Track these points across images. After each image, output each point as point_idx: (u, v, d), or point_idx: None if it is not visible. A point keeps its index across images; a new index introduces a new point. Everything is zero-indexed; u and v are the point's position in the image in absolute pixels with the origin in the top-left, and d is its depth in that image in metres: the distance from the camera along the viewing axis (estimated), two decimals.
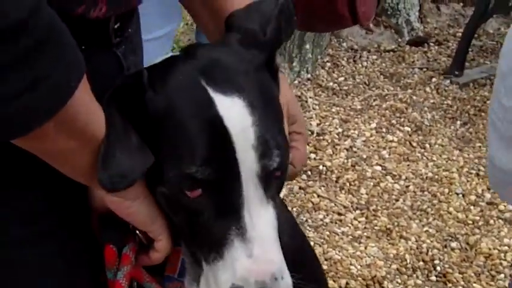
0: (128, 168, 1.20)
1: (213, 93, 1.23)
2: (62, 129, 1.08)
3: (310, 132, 4.49)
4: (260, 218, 1.24)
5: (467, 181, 4.20)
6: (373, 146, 4.49)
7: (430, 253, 3.57)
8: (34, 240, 1.26)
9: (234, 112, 1.22)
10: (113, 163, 1.18)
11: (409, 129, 4.74)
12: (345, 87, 5.24)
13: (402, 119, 4.85)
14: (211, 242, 1.24)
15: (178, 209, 1.26)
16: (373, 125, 4.73)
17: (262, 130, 1.23)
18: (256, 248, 1.21)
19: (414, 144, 4.57)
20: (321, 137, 4.52)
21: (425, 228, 3.76)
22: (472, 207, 3.96)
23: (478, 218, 3.87)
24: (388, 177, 4.19)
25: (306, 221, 3.77)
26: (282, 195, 3.81)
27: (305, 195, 3.97)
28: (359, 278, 3.37)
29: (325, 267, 3.40)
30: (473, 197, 4.04)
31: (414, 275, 3.42)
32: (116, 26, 1.31)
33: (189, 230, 1.28)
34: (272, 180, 1.26)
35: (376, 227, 3.76)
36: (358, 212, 3.88)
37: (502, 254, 3.57)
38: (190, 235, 1.29)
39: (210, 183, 1.21)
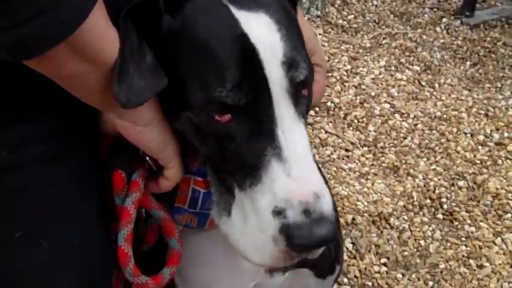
0: (141, 86, 1.18)
1: (236, 10, 1.20)
2: (74, 52, 1.07)
3: None
4: (294, 135, 1.21)
5: (476, 121, 4.18)
6: (381, 84, 4.46)
7: (437, 191, 3.55)
8: (47, 160, 1.26)
9: (261, 28, 1.19)
10: (127, 78, 1.16)
11: (419, 68, 4.70)
12: (355, 25, 5.19)
13: (412, 58, 4.80)
14: (246, 167, 1.21)
15: (207, 135, 1.23)
16: (382, 63, 4.69)
17: (290, 46, 1.20)
18: (294, 167, 1.18)
19: (423, 83, 4.53)
20: (330, 74, 4.48)
21: (433, 167, 3.74)
22: (480, 147, 3.94)
23: (486, 157, 3.85)
24: (397, 115, 4.16)
25: (313, 156, 3.73)
26: None
27: (312, 130, 3.94)
28: (365, 214, 3.36)
29: None
30: (481, 137, 4.01)
31: (421, 213, 3.41)
32: None
33: (220, 156, 1.24)
34: (300, 97, 1.24)
35: (383, 164, 3.74)
36: (365, 148, 3.86)
37: (510, 194, 3.55)
38: (221, 162, 1.25)
39: (241, 107, 1.18)
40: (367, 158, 3.77)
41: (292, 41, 1.21)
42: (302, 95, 1.24)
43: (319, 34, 4.94)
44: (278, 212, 1.18)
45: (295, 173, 1.18)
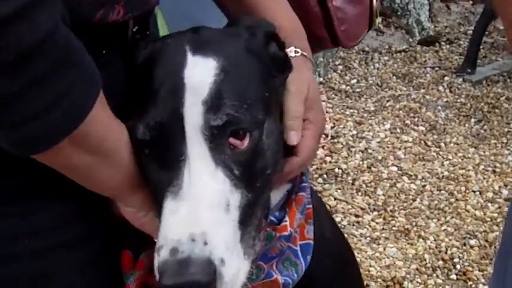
0: None
1: (190, 55, 1.23)
2: (77, 146, 1.11)
3: (324, 135, 4.48)
4: (201, 178, 1.17)
5: (484, 178, 4.19)
6: (388, 147, 4.49)
7: (449, 252, 3.56)
8: (67, 247, 1.28)
9: (199, 69, 1.21)
10: None
11: (424, 128, 4.73)
12: (358, 89, 5.24)
13: (416, 119, 4.84)
14: (156, 198, 1.21)
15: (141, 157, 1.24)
16: (388, 126, 4.72)
17: (225, 92, 1.20)
18: (184, 207, 1.15)
19: (429, 143, 4.56)
20: (336, 140, 4.52)
21: (444, 227, 3.75)
22: (489, 204, 3.95)
23: (496, 215, 3.86)
24: (404, 177, 4.18)
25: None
26: None
27: (322, 198, 3.96)
28: (379, 280, 3.36)
29: None
30: (490, 194, 4.03)
31: (434, 275, 3.41)
32: (134, 29, 1.32)
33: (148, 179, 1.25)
34: (225, 144, 1.20)
35: (394, 228, 3.75)
36: (375, 213, 3.87)
37: None
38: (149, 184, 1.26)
39: (155, 142, 1.19)
40: (377, 223, 3.79)
41: (233, 91, 1.21)
42: (230, 144, 1.20)
43: (323, 101, 4.97)
44: (158, 249, 1.15)
45: (182, 213, 1.15)
